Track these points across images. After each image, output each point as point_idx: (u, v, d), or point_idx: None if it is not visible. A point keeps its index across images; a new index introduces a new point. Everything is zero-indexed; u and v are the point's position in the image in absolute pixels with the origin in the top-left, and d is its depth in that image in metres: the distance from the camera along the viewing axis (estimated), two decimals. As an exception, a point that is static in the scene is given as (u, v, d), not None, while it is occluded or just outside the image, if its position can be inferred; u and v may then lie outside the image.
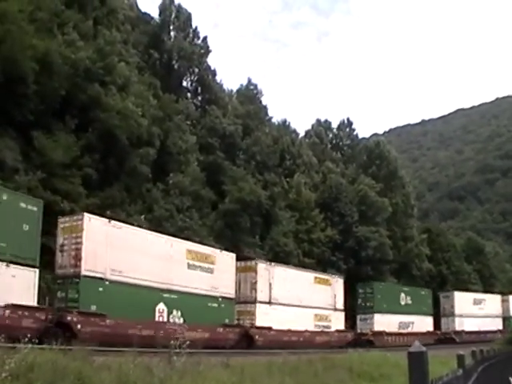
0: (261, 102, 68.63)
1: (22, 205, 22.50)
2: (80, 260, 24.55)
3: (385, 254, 64.02)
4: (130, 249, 26.69)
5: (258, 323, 35.32)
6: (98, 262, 25.13)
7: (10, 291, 20.75)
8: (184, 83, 61.54)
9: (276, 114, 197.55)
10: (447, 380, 4.74)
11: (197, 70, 60.72)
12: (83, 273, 24.50)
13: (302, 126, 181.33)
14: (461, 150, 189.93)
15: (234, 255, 35.07)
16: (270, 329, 35.57)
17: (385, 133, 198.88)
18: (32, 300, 22.03)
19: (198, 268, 31.24)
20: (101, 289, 25.10)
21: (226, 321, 32.98)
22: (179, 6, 60.35)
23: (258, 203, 49.90)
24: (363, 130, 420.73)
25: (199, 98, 62.33)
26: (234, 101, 64.10)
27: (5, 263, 20.86)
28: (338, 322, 43.64)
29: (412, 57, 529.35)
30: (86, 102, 38.86)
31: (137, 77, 45.96)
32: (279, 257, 49.57)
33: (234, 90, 69.30)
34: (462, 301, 60.15)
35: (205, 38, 61.83)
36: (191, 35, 60.92)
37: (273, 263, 39.27)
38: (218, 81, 64.81)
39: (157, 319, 28.12)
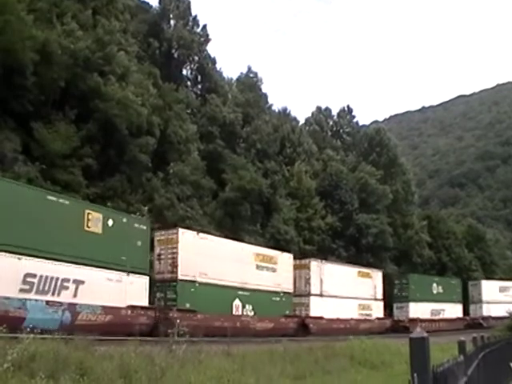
0: (261, 89, 68.37)
1: (136, 225, 28.03)
2: (176, 267, 29.96)
3: (385, 241, 64.14)
4: (212, 255, 31.80)
5: (312, 313, 40.59)
6: (190, 268, 30.47)
7: (130, 295, 26.43)
8: (184, 72, 61.37)
9: (276, 102, 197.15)
10: (448, 366, 4.75)
11: (196, 58, 60.45)
12: (179, 277, 29.95)
13: (302, 113, 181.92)
14: (461, 136, 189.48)
15: (291, 255, 40.54)
16: (321, 318, 40.77)
17: (385, 120, 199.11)
18: (145, 301, 27.74)
19: (264, 268, 36.62)
20: (192, 289, 30.59)
21: (287, 312, 38.08)
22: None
23: (258, 191, 49.90)
24: (363, 118, 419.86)
25: (199, 86, 62.11)
26: (234, 89, 63.87)
27: (126, 273, 26.40)
28: (378, 310, 48.87)
29: (412, 43, 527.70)
30: (85, 92, 38.78)
31: (136, 66, 45.82)
32: (280, 244, 49.57)
33: (234, 79, 69.12)
34: (489, 288, 63.39)
35: (204, 27, 61.61)
36: (191, 23, 60.61)
37: (323, 261, 44.19)
38: (218, 69, 64.69)
39: (234, 313, 33.45)
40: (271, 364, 19.07)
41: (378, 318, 48.34)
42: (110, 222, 26.03)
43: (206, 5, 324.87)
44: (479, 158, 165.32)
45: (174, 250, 30.11)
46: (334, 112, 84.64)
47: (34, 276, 22.13)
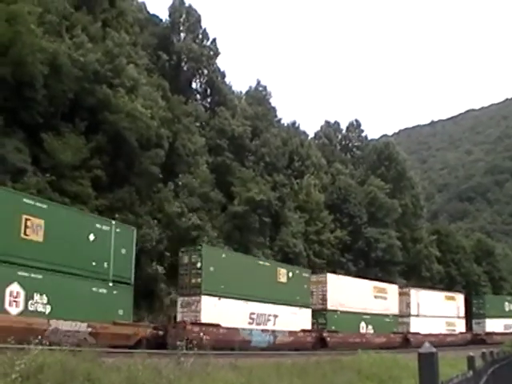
0: (270, 103, 68.55)
1: (304, 274, 41.08)
2: (326, 300, 42.20)
3: (394, 255, 63.97)
4: (346, 290, 43.39)
5: (411, 330, 50.87)
6: (334, 301, 42.37)
7: (301, 322, 38.94)
8: (193, 85, 61.44)
9: (285, 116, 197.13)
10: (457, 382, 4.68)
11: (206, 71, 60.56)
12: (328, 308, 42.26)
13: (310, 128, 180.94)
14: (470, 150, 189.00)
15: (396, 286, 51.87)
16: (418, 333, 50.06)
17: (394, 134, 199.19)
18: (309, 326, 39.87)
19: (379, 297, 47.75)
20: (335, 316, 42.47)
21: (394, 329, 49.02)
22: (189, 6, 60.25)
23: (267, 204, 49.79)
24: (372, 132, 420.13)
25: (208, 99, 62.16)
26: (242, 102, 63.85)
27: (299, 307, 38.88)
28: (460, 326, 58.86)
29: (422, 58, 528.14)
30: (94, 105, 38.90)
31: (146, 78, 45.86)
32: (288, 258, 49.54)
33: (243, 92, 69.21)
34: None
35: (214, 40, 61.76)
36: (200, 37, 60.80)
37: (419, 289, 54.90)
38: (227, 83, 64.78)
39: (360, 331, 44.98)
40: (278, 378, 18.94)
41: (461, 333, 58.09)
42: (290, 274, 38.71)
43: (215, 19, 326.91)
44: (488, 172, 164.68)
45: (324, 288, 42.34)
46: (343, 126, 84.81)
47: (254, 313, 35.13)
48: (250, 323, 34.52)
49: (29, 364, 12.34)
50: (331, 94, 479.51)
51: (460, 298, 59.77)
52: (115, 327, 25.21)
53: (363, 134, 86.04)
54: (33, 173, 33.14)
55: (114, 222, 27.49)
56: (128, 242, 27.78)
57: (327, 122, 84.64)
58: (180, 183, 45.69)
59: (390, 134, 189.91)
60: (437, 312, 53.91)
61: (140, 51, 48.31)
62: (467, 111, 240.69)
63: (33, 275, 22.22)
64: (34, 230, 22.58)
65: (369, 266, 61.49)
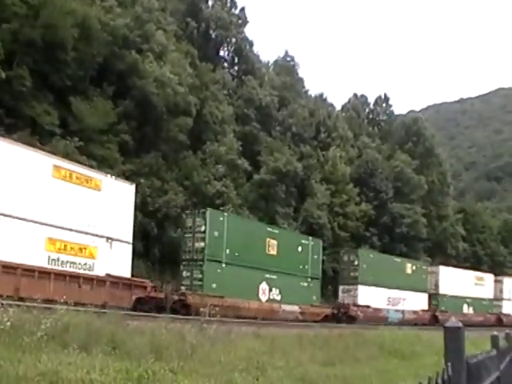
0: (297, 74, 67.98)
1: (423, 267, 52.42)
2: (438, 287, 52.52)
3: (419, 231, 63.55)
4: (453, 279, 53.53)
5: (504, 311, 60.06)
6: (444, 287, 52.70)
7: (420, 303, 49.84)
8: (221, 53, 61.05)
9: (312, 88, 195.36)
10: (482, 358, 4.50)
11: (234, 40, 60.07)
12: (440, 292, 52.43)
13: (338, 101, 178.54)
14: (499, 129, 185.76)
15: (492, 275, 61.81)
16: (509, 314, 59.18)
17: (422, 110, 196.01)
18: (426, 306, 50.44)
19: (478, 284, 57.88)
20: (445, 299, 52.44)
21: (489, 311, 58.22)
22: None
23: (293, 174, 49.52)
24: (400, 107, 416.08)
25: (236, 68, 61.77)
26: (270, 72, 63.34)
27: (419, 292, 49.46)
28: None
29: (452, 33, 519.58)
30: (123, 69, 38.89)
31: (174, 45, 45.71)
32: (313, 229, 49.35)
33: (271, 62, 68.64)
34: None
35: (242, 9, 61.22)
36: (229, 5, 60.28)
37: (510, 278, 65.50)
38: (255, 52, 64.17)
39: (463, 312, 53.04)
40: (301, 349, 18.86)
41: None
42: (414, 267, 49.51)
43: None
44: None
45: (437, 277, 52.52)
46: (371, 100, 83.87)
47: (390, 297, 46.34)
48: (387, 304, 46.20)
49: (54, 323, 12.36)
50: (359, 67, 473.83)
51: None
52: (312, 308, 38.13)
53: (391, 109, 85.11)
54: (61, 136, 33.22)
55: (310, 238, 40.36)
56: (317, 250, 40.03)
57: (355, 95, 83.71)
58: (207, 150, 45.57)
59: (417, 109, 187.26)
60: None
61: (169, 17, 48.05)
62: (497, 89, 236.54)
63: (272, 276, 35.06)
64: (272, 247, 35.31)
65: (393, 241, 61.16)
